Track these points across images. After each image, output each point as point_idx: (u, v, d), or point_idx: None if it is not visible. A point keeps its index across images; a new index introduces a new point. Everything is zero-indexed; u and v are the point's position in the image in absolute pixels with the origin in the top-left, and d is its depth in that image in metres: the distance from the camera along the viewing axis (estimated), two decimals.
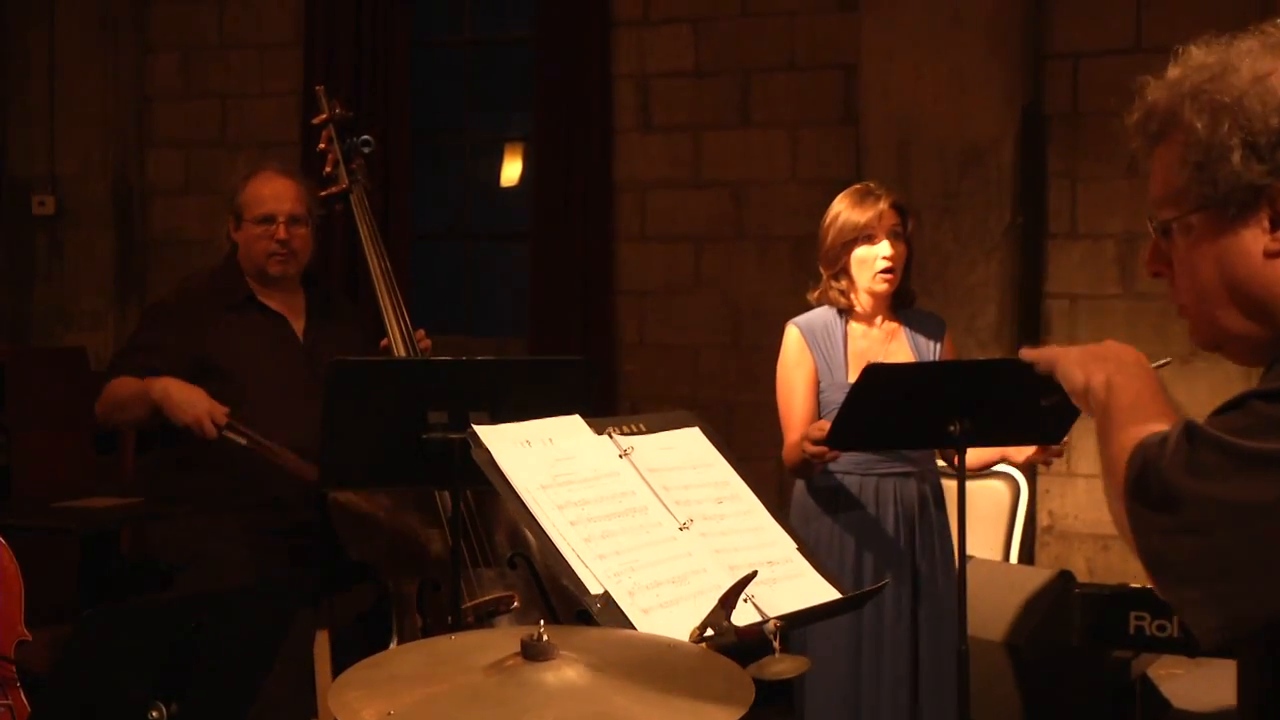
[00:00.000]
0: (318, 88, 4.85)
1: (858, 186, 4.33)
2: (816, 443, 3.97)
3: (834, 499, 4.24)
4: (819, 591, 2.66)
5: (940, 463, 4.48)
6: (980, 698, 4.18)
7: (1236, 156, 1.74)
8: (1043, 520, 6.28)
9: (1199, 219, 1.80)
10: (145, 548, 4.63)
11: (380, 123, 7.06)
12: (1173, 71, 1.83)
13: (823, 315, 4.33)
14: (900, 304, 4.35)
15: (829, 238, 4.28)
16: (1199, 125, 1.77)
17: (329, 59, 7.27)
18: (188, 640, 2.46)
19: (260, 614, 2.71)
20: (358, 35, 7.26)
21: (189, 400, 4.12)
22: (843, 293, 4.29)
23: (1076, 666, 4.60)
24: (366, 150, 4.67)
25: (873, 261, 4.22)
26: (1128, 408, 1.84)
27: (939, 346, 4.35)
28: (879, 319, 4.33)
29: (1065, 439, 4.10)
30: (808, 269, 6.62)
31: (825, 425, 3.99)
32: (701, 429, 2.87)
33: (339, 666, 4.02)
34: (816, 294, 4.36)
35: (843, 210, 4.25)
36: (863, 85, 6.23)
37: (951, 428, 3.82)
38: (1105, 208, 6.18)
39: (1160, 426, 1.75)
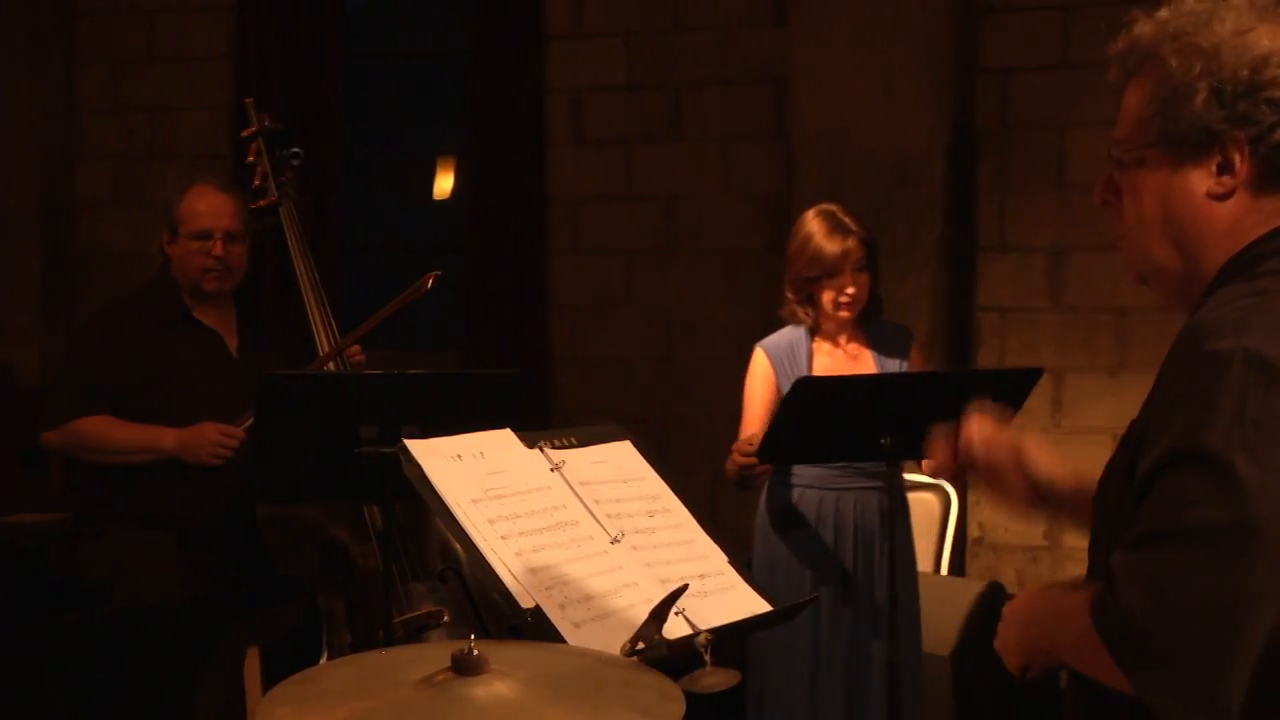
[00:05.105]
0: (247, 100, 4.84)
1: (830, 211, 4.30)
2: (747, 455, 3.98)
3: (795, 514, 4.24)
4: (750, 604, 2.66)
5: (910, 477, 4.49)
6: (911, 706, 4.19)
7: (1201, 99, 1.85)
8: (973, 532, 6.32)
9: (1155, 153, 1.90)
10: (73, 564, 4.57)
11: (312, 136, 7.00)
12: (1162, 13, 1.93)
13: (789, 336, 4.36)
14: (867, 319, 4.36)
15: (796, 265, 4.28)
16: (1173, 63, 1.87)
17: (260, 72, 7.21)
18: (116, 657, 2.44)
19: (190, 630, 2.70)
20: (289, 48, 7.21)
21: (197, 443, 4.19)
22: (808, 314, 4.32)
23: (1005, 675, 4.62)
24: (296, 163, 4.64)
25: (836, 296, 4.24)
26: (1054, 620, 2.03)
27: (904, 362, 4.37)
28: (844, 337, 4.35)
29: None
30: (740, 283, 6.69)
31: (756, 438, 3.99)
32: (633, 442, 2.87)
33: (269, 682, 3.99)
34: (785, 311, 4.38)
35: (813, 238, 4.23)
36: (794, 100, 6.25)
37: (883, 440, 3.84)
38: (1034, 222, 6.24)
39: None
